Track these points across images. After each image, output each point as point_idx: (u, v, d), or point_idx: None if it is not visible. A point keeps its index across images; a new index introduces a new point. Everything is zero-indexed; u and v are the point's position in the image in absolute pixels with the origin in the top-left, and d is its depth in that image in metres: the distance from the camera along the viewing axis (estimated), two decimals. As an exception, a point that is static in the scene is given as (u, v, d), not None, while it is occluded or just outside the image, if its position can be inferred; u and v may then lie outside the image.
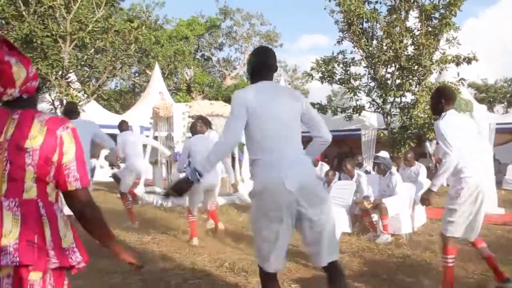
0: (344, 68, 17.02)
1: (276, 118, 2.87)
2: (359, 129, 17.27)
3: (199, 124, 6.98)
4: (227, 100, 29.36)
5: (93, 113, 16.25)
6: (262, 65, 3.09)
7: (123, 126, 8.67)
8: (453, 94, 4.21)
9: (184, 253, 5.64)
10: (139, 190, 10.67)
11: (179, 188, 2.96)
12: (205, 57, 39.52)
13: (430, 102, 4.53)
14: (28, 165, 1.79)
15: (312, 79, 17.56)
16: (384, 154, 7.34)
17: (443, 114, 4.00)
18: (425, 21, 15.54)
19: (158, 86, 22.08)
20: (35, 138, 1.80)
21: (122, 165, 8.84)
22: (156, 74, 23.23)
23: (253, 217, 2.98)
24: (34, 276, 1.77)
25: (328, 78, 16.83)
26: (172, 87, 33.43)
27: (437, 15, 15.55)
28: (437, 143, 4.21)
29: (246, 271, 4.77)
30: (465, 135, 3.94)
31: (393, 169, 7.21)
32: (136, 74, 33.56)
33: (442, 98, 4.05)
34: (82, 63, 13.35)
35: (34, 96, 1.97)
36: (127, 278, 4.51)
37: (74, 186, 1.89)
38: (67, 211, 1.99)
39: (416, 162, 8.14)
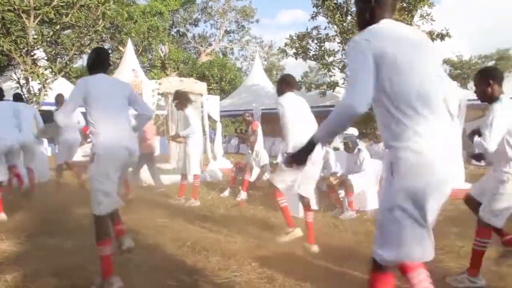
0: (318, 44, 16.93)
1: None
2: (333, 106, 17.24)
3: None
4: (202, 77, 29.08)
5: (63, 91, 15.86)
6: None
7: (60, 100, 8.48)
8: (294, 81, 5.05)
9: (148, 234, 5.52)
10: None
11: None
12: (180, 33, 38.96)
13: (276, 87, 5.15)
14: None
15: (286, 55, 17.43)
16: (351, 131, 7.31)
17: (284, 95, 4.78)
18: (399, -4, 15.45)
19: (131, 63, 21.70)
20: None
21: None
22: (129, 51, 22.79)
23: None
24: None
25: (302, 54, 16.73)
26: (146, 64, 32.94)
27: (411, -10, 15.49)
28: None
29: (207, 250, 4.70)
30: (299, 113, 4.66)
31: (361, 145, 7.19)
32: (109, 51, 32.85)
33: (284, 83, 4.87)
34: (48, 39, 12.87)
35: None
36: (87, 258, 4.39)
37: None
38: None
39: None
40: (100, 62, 3.93)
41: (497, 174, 3.60)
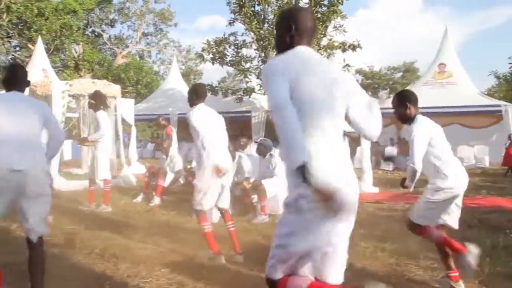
0: (235, 50, 17.11)
1: None
2: (249, 111, 17.47)
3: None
4: (118, 79, 28.28)
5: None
6: None
7: None
8: (204, 92, 5.01)
9: (56, 242, 5.29)
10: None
11: None
12: (96, 33, 37.60)
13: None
14: None
15: (203, 60, 17.45)
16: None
17: (195, 107, 4.77)
18: (314, 7, 16.01)
19: (42, 62, 20.62)
20: None
21: None
22: (39, 49, 21.58)
23: None
24: None
25: (219, 60, 16.83)
26: (58, 64, 31.36)
27: (326, 2, 16.10)
28: None
29: (117, 257, 4.60)
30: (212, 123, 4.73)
31: (274, 150, 7.35)
32: (17, 48, 30.97)
33: (194, 95, 4.86)
34: None
35: None
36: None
37: None
38: None
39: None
40: (16, 81, 3.57)
41: (430, 184, 3.87)
